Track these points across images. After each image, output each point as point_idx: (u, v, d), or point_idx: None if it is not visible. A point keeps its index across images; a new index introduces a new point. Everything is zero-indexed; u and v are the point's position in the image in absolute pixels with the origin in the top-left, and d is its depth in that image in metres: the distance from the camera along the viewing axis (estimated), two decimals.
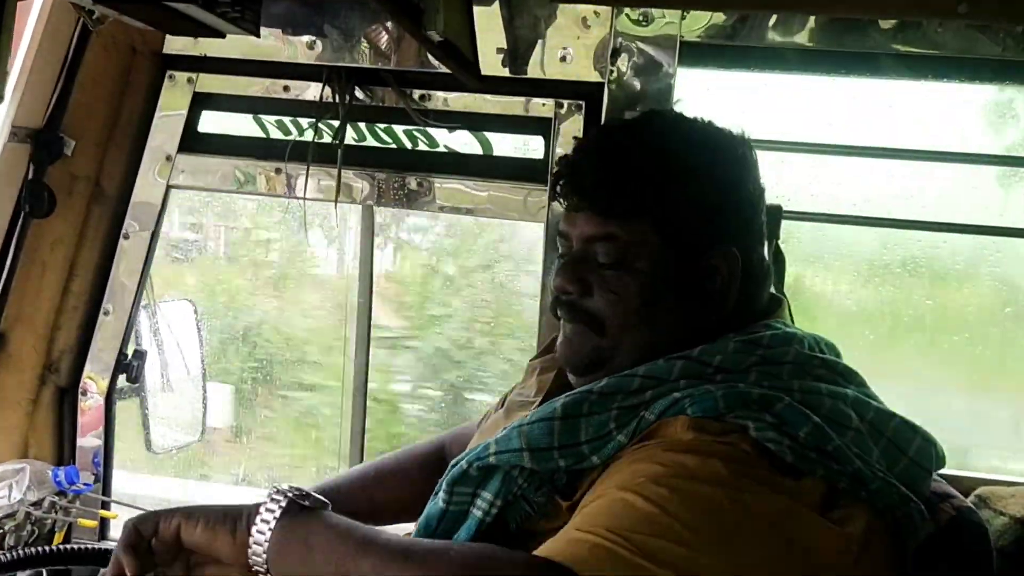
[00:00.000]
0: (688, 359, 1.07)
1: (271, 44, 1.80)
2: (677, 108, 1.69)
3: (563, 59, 1.74)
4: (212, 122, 1.94)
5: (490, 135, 1.83)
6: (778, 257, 1.37)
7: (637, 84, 1.71)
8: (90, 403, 1.99)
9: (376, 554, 0.92)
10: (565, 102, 1.77)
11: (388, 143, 1.87)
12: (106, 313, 1.97)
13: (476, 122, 1.83)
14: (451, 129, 1.84)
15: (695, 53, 1.70)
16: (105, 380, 1.98)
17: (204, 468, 3.76)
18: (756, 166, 1.19)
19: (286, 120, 1.89)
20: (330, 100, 1.84)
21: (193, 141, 1.93)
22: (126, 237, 1.95)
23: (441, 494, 1.09)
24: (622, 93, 1.71)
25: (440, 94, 1.82)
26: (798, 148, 1.84)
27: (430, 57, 1.72)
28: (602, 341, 1.13)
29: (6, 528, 1.75)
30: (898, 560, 1.02)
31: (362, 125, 1.87)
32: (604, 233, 1.12)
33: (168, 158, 1.92)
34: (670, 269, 1.11)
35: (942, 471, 1.14)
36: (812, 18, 1.65)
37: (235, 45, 1.75)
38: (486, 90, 1.77)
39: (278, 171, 1.89)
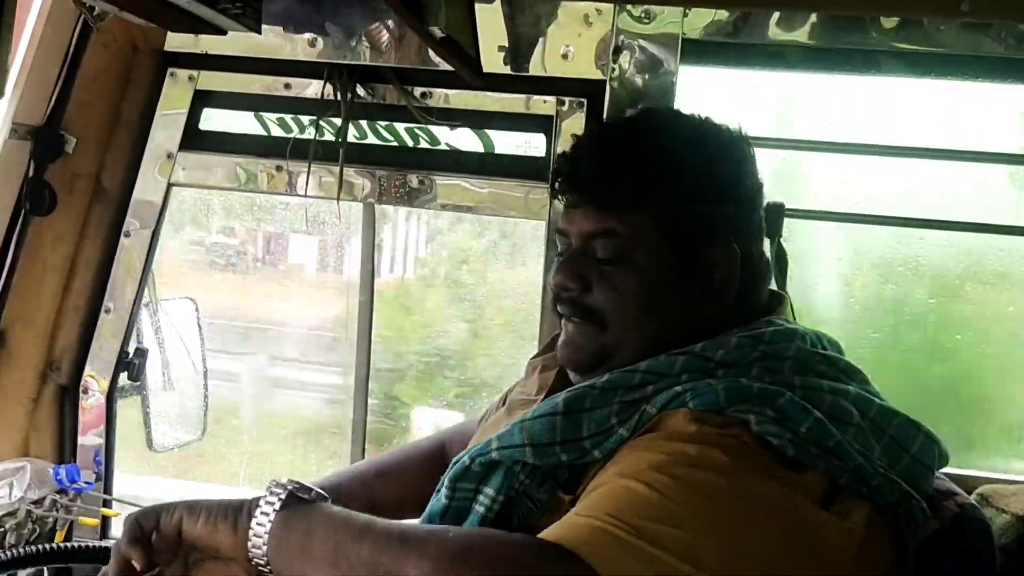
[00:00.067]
0: (690, 354, 1.07)
1: (272, 41, 1.80)
2: (677, 106, 1.69)
3: (565, 56, 1.74)
4: (213, 120, 1.94)
5: (491, 133, 1.83)
6: (780, 255, 1.37)
7: (639, 81, 1.71)
8: (91, 401, 1.99)
9: (375, 538, 0.92)
10: (567, 100, 1.77)
11: (389, 140, 1.87)
12: (107, 311, 1.96)
13: (477, 120, 1.82)
14: (452, 127, 1.83)
15: (697, 50, 1.70)
16: (106, 378, 1.98)
17: None
18: (754, 161, 1.19)
19: (287, 118, 1.89)
20: (331, 97, 1.83)
21: (194, 139, 1.93)
22: (127, 235, 1.95)
23: (444, 490, 1.09)
24: (624, 90, 1.71)
25: (441, 91, 1.82)
26: (799, 146, 1.84)
27: (431, 54, 1.72)
28: (604, 338, 1.13)
29: (7, 526, 1.75)
30: (900, 557, 1.02)
31: (363, 122, 1.87)
32: (603, 229, 1.12)
33: (169, 156, 1.92)
34: (669, 263, 1.11)
35: (944, 469, 1.13)
36: (814, 16, 1.65)
37: (236, 42, 1.75)
38: (487, 87, 1.77)
39: (279, 169, 1.89)
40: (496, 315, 4.01)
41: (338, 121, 1.85)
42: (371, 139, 1.87)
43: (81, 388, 1.98)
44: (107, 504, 2.00)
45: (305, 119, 1.88)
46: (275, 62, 1.85)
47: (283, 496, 0.98)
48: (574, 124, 1.76)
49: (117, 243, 1.95)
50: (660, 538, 0.85)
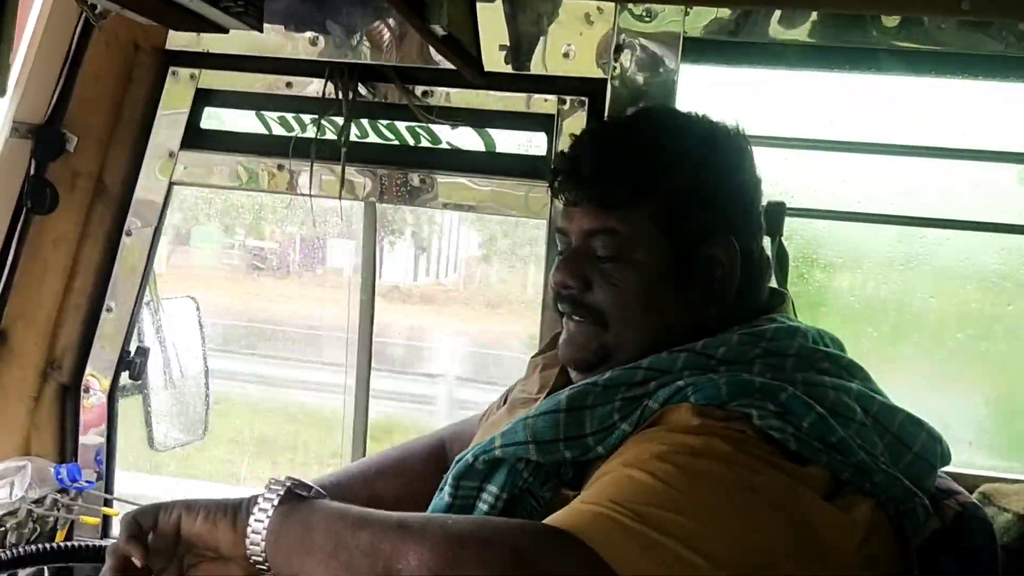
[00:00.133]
0: (692, 352, 1.08)
1: (274, 40, 1.80)
2: (679, 104, 1.69)
3: (566, 55, 1.74)
4: (215, 118, 1.94)
5: (493, 131, 1.83)
6: (781, 253, 1.37)
7: (640, 80, 1.71)
8: (92, 400, 1.99)
9: (374, 526, 0.92)
10: (568, 98, 1.77)
11: (391, 139, 1.87)
12: (108, 310, 1.96)
13: (479, 118, 1.83)
14: (454, 125, 1.84)
15: (698, 49, 1.70)
16: (107, 377, 1.98)
17: None
18: (752, 158, 1.20)
19: (289, 116, 1.89)
20: (333, 96, 1.84)
21: (196, 137, 1.93)
22: (128, 234, 1.95)
23: (447, 488, 1.09)
24: (625, 89, 1.71)
25: (443, 90, 1.82)
26: (800, 144, 1.84)
27: (433, 53, 1.72)
28: (605, 336, 1.13)
29: (8, 525, 1.75)
30: (902, 554, 1.02)
31: (364, 121, 1.87)
32: (602, 226, 1.12)
33: (171, 155, 1.92)
34: (669, 260, 1.11)
35: (946, 468, 1.13)
36: (815, 14, 1.65)
37: (238, 41, 1.75)
38: (489, 86, 1.77)
39: (281, 168, 1.89)
40: None
41: (339, 120, 1.85)
42: (372, 138, 1.88)
43: (82, 387, 1.98)
44: (108, 503, 2.00)
45: (306, 118, 1.88)
46: (277, 61, 1.85)
47: (281, 493, 0.98)
48: (575, 123, 1.76)
49: (118, 242, 1.95)
50: (664, 524, 0.86)
